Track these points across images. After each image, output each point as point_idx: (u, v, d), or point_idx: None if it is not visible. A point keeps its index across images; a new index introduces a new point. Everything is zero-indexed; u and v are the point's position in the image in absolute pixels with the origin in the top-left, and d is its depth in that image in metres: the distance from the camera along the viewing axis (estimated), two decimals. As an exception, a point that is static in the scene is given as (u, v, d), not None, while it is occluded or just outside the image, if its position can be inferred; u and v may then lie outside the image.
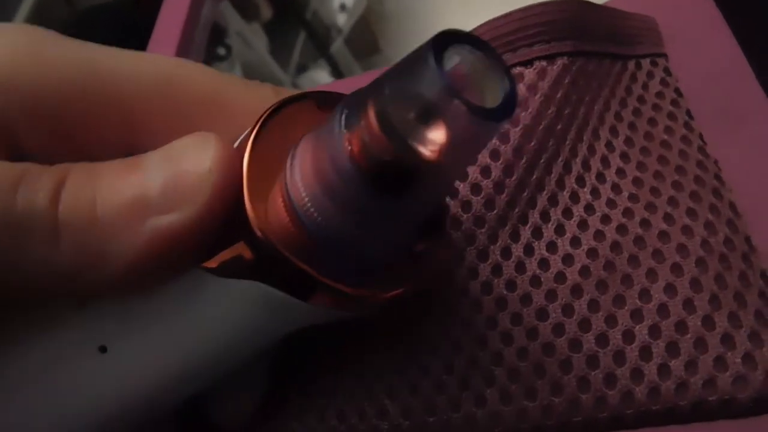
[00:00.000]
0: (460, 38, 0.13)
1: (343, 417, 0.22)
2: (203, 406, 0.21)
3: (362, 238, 0.16)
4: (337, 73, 1.53)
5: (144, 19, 0.49)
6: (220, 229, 0.16)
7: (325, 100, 0.18)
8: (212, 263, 0.17)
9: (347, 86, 0.17)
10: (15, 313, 0.17)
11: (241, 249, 0.16)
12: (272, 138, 0.17)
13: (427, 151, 0.13)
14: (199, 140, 0.16)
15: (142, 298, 0.17)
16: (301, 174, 0.15)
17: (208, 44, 0.49)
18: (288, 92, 0.19)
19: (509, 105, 0.14)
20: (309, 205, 0.15)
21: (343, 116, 0.14)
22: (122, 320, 0.18)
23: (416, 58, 0.13)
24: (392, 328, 0.22)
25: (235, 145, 0.17)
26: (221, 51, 1.31)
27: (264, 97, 0.19)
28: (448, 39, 0.13)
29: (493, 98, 0.14)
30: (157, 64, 0.18)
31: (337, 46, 1.58)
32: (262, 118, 0.17)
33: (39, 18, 1.22)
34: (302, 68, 1.53)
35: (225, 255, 0.17)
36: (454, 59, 0.13)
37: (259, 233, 0.16)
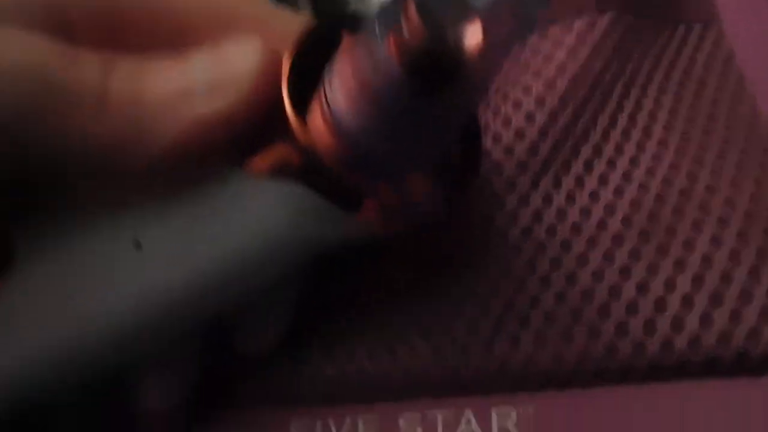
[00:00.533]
0: None
1: (373, 355, 0.22)
2: (228, 337, 0.21)
3: (403, 146, 0.16)
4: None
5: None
6: (260, 130, 0.17)
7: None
8: (259, 162, 0.17)
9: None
10: (59, 200, 0.18)
11: (288, 152, 0.17)
12: (310, 56, 0.17)
13: (467, 42, 0.14)
14: (245, 42, 0.17)
15: (181, 194, 0.17)
16: (340, 83, 0.16)
17: None
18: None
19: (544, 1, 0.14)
20: (349, 113, 0.15)
21: (381, 19, 0.14)
22: (159, 217, 0.18)
23: None
24: (428, 270, 0.22)
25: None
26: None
27: (296, 20, 0.20)
28: None
29: None
30: None
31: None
32: (303, 34, 0.17)
33: None
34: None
35: (272, 156, 0.17)
36: None
37: (302, 139, 0.16)
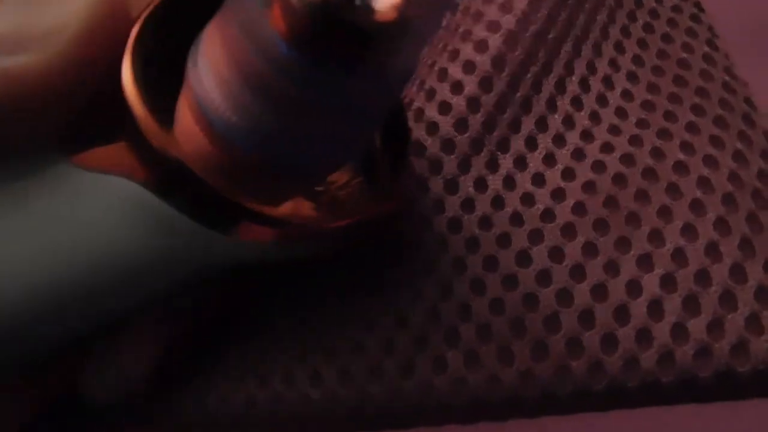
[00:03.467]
0: None
1: (265, 382, 0.17)
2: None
3: (297, 142, 0.12)
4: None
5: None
6: (93, 110, 0.13)
7: None
8: (84, 158, 0.13)
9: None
10: None
11: (128, 157, 0.13)
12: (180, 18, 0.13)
13: (380, 3, 0.10)
14: None
15: None
16: (211, 66, 0.12)
17: None
18: None
19: None
20: (222, 104, 0.12)
21: None
22: None
23: None
24: (332, 271, 0.17)
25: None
26: None
27: None
28: None
29: None
30: None
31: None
32: None
33: None
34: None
35: (103, 152, 0.13)
36: None
37: (154, 140, 0.12)
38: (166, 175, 0.12)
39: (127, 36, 0.13)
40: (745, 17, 0.23)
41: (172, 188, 0.13)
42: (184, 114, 0.12)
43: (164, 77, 0.13)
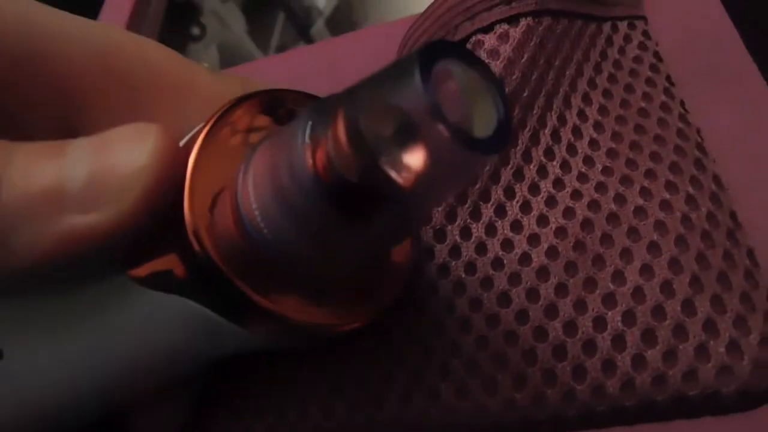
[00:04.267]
0: (453, 52, 0.11)
1: (282, 417, 0.20)
2: (124, 419, 0.19)
3: (316, 261, 0.14)
4: (320, 58, 1.50)
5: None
6: (151, 229, 0.14)
7: (292, 100, 0.16)
8: (140, 271, 0.15)
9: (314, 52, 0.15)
10: None
11: (172, 262, 0.14)
12: (226, 138, 0.15)
13: (400, 175, 0.11)
14: (138, 131, 0.14)
15: (50, 296, 0.15)
16: (254, 183, 0.13)
17: (180, 24, 0.46)
18: (258, 85, 0.17)
19: (501, 136, 0.11)
20: (260, 218, 0.13)
21: (309, 123, 0.12)
22: (25, 320, 0.15)
23: (400, 68, 0.11)
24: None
25: (183, 142, 0.15)
26: (195, 31, 1.27)
27: (231, 88, 0.17)
28: (438, 51, 0.11)
29: (483, 124, 0.12)
30: (105, 35, 0.16)
31: (318, 27, 1.55)
32: (217, 114, 0.15)
33: None
34: (282, 50, 1.50)
35: (155, 265, 0.14)
36: (443, 75, 0.11)
37: (195, 245, 0.13)
38: (198, 271, 0.14)
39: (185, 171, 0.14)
40: (699, 60, 0.25)
41: (202, 285, 0.14)
42: (223, 211, 0.14)
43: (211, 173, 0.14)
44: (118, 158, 0.13)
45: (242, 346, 0.16)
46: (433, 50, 0.11)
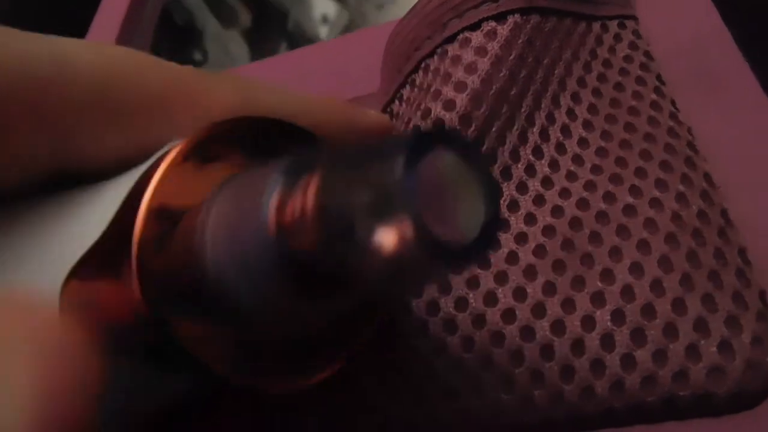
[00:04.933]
0: (446, 140, 0.10)
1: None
2: None
3: (258, 320, 0.13)
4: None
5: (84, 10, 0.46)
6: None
7: (272, 130, 0.15)
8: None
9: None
10: None
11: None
12: (191, 169, 0.14)
13: (362, 261, 0.10)
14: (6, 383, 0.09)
15: None
16: (213, 225, 0.13)
17: (182, 48, 0.46)
18: (253, 87, 0.16)
19: (484, 242, 0.10)
20: (212, 264, 0.12)
21: (280, 181, 0.11)
22: None
23: (386, 151, 0.10)
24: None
25: (151, 161, 0.14)
26: (197, 56, 1.28)
27: (223, 96, 0.16)
28: (430, 140, 0.10)
29: (467, 219, 0.10)
30: (97, 53, 0.15)
31: (320, 53, 1.55)
32: (186, 143, 0.14)
33: None
34: (284, 75, 1.50)
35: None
36: (430, 167, 0.10)
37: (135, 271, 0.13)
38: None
39: None
40: (691, 61, 0.25)
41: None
42: (175, 244, 0.13)
43: None
44: None
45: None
46: (426, 139, 0.10)
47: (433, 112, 0.21)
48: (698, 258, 0.19)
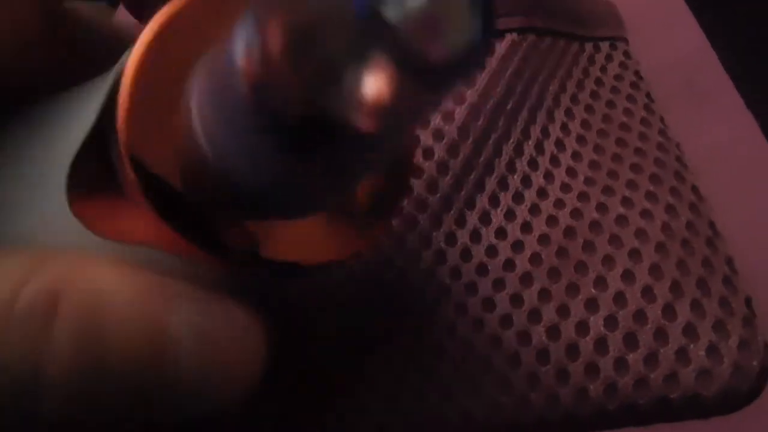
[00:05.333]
0: None
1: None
2: None
3: (266, 192, 0.12)
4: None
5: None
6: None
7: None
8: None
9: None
10: None
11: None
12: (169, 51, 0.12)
13: (358, 102, 0.09)
14: None
15: None
16: (197, 105, 0.11)
17: None
18: None
19: (472, 57, 0.09)
20: (205, 142, 0.11)
21: (242, 37, 0.09)
22: None
23: None
24: (317, 315, 0.20)
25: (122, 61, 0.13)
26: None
27: None
28: None
29: (454, 37, 0.09)
30: None
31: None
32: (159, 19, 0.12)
33: None
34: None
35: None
36: None
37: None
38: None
39: None
40: (678, 79, 0.26)
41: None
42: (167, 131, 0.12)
43: None
44: None
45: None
46: None
47: (432, 124, 0.21)
48: (687, 266, 0.20)
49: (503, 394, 0.19)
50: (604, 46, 0.26)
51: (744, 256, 0.20)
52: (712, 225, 0.21)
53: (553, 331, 0.19)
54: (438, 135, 0.21)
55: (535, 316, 0.20)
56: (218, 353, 0.12)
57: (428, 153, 0.21)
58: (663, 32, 0.27)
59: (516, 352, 0.19)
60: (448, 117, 0.21)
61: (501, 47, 0.23)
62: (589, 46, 0.26)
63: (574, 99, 0.24)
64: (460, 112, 0.21)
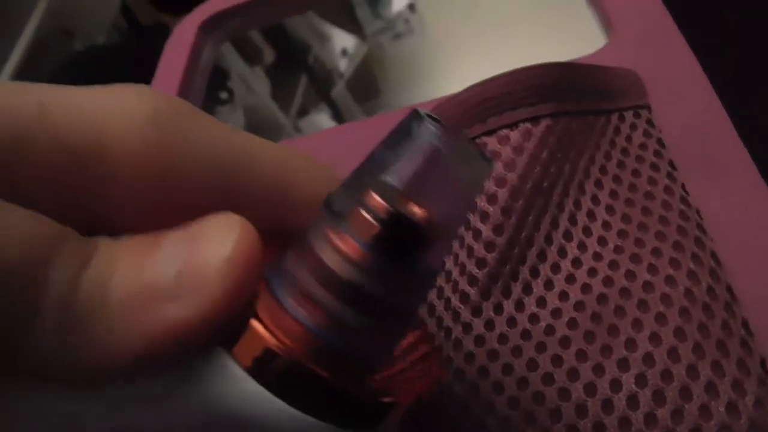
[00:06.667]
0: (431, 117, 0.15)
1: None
2: None
3: (360, 331, 0.15)
4: (338, 116, 1.56)
5: (144, 60, 0.50)
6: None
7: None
8: (245, 360, 0.15)
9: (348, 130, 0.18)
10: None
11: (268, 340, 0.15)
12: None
13: (423, 210, 0.15)
14: (223, 223, 0.15)
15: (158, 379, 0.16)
16: (293, 279, 0.15)
17: (209, 88, 0.50)
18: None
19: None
20: (314, 313, 0.15)
21: (333, 209, 0.15)
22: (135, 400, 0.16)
23: (399, 132, 0.15)
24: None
25: None
26: (223, 95, 1.33)
27: (328, 179, 0.18)
28: (421, 114, 0.15)
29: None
30: (229, 139, 0.17)
31: (339, 89, 1.61)
32: None
33: (39, 48, 1.23)
34: (303, 111, 1.56)
35: (252, 346, 0.15)
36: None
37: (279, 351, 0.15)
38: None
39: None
40: (695, 146, 0.28)
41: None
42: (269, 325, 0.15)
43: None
44: (206, 250, 0.14)
45: None
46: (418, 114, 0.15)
47: (478, 206, 0.24)
48: (708, 329, 0.22)
49: None
50: (628, 115, 0.29)
51: (758, 318, 0.23)
52: (729, 289, 0.24)
53: (590, 388, 0.22)
54: (484, 217, 0.24)
55: (573, 374, 0.22)
56: None
57: (477, 234, 0.24)
58: (681, 99, 0.30)
59: (557, 407, 0.22)
60: (492, 199, 0.24)
61: (537, 131, 0.25)
62: (614, 118, 0.28)
63: (602, 170, 0.27)
64: (502, 194, 0.24)
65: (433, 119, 0.15)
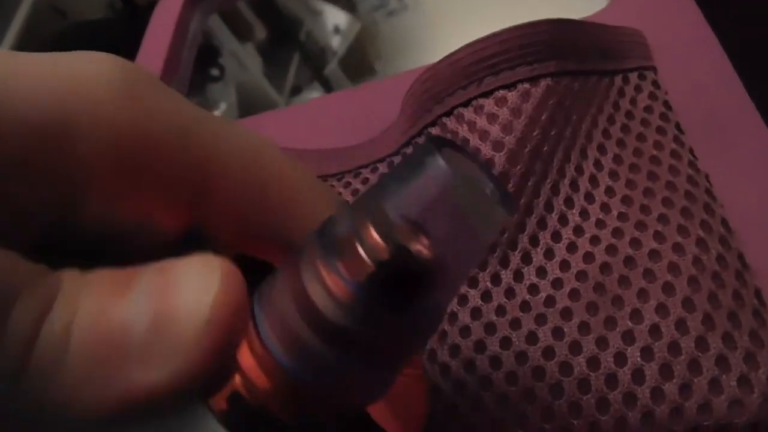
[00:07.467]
0: (448, 142, 0.14)
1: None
2: None
3: (343, 370, 0.14)
4: (332, 94, 1.53)
5: (138, 35, 0.48)
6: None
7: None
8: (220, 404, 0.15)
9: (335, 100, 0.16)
10: None
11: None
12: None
13: (420, 248, 0.13)
14: (201, 268, 0.13)
15: None
16: (273, 311, 0.14)
17: (199, 63, 0.49)
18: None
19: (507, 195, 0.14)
20: (282, 344, 0.14)
21: (325, 243, 0.14)
22: None
23: (413, 159, 0.13)
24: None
25: None
26: (215, 72, 1.31)
27: (330, 200, 0.17)
28: (441, 141, 0.13)
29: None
30: (247, 141, 0.16)
31: (332, 67, 1.59)
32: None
33: (33, 28, 1.21)
34: (296, 89, 1.53)
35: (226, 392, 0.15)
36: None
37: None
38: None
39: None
40: (705, 108, 0.27)
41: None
42: (245, 353, 0.14)
43: None
44: (182, 300, 0.12)
45: None
46: (438, 140, 0.13)
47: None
48: (718, 299, 0.21)
49: (547, 422, 0.20)
50: (633, 76, 0.27)
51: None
52: (741, 257, 0.22)
53: (593, 362, 0.21)
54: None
55: (575, 347, 0.21)
56: None
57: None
58: (687, 59, 0.28)
59: (558, 382, 0.21)
60: (489, 164, 0.23)
61: (537, 92, 0.24)
62: (618, 79, 0.27)
63: (605, 134, 0.25)
64: (500, 158, 0.23)
65: (449, 145, 0.14)
